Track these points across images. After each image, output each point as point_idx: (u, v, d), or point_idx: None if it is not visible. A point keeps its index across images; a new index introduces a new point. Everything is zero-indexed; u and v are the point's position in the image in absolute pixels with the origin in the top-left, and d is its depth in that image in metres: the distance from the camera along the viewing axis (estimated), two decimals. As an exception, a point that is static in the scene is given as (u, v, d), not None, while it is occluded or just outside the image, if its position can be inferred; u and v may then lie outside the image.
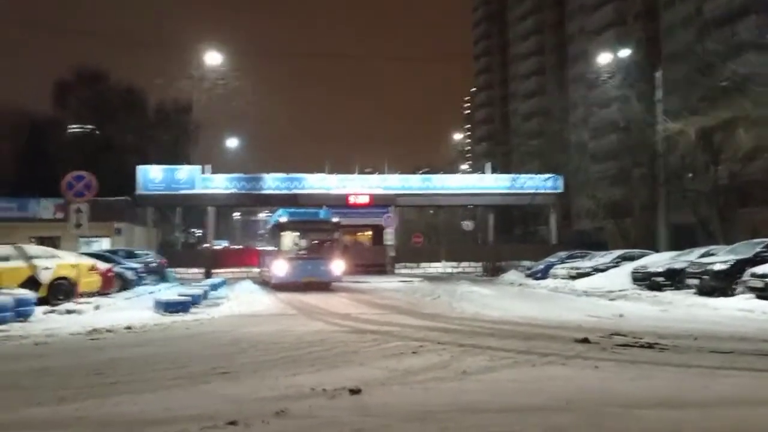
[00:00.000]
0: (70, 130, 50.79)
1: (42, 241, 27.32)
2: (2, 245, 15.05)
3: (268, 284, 23.38)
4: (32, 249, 15.74)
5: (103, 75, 50.71)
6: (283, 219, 22.26)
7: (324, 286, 21.11)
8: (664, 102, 26.17)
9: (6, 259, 14.07)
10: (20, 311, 11.07)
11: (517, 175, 37.33)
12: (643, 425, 4.47)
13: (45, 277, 14.24)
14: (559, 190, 36.61)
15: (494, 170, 40.50)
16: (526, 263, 30.58)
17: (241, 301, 16.81)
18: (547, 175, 35.43)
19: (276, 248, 21.93)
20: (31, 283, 13.63)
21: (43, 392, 5.73)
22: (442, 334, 9.61)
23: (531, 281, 26.02)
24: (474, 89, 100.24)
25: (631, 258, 22.89)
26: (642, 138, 26.94)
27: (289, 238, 21.95)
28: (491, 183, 37.93)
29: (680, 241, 26.31)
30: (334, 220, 22.68)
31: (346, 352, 8.00)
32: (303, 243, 22.13)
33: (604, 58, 32.65)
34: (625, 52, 31.75)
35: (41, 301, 12.93)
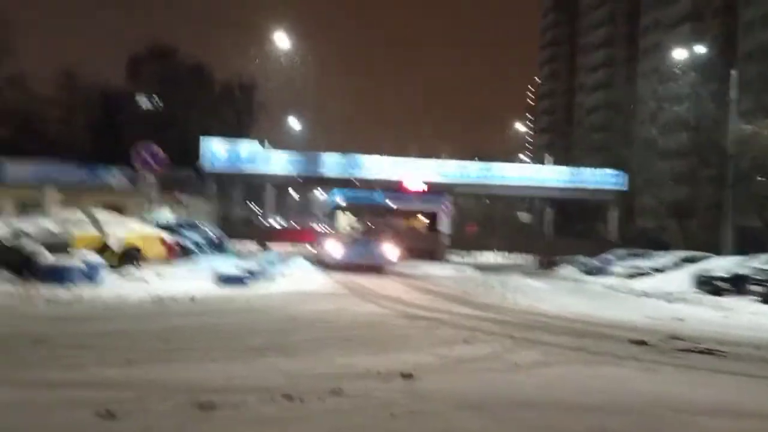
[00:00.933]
0: (140, 103, 52.47)
1: (111, 208, 28.45)
2: (77, 211, 15.78)
3: (321, 263, 23.66)
4: (102, 216, 16.43)
5: (173, 50, 52.05)
6: (340, 200, 22.54)
7: (377, 269, 21.22)
8: (738, 102, 25.13)
9: (79, 224, 14.74)
10: (91, 276, 11.62)
11: (578, 169, 36.62)
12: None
13: (114, 243, 14.86)
14: (622, 187, 35.73)
15: (554, 163, 39.80)
16: (583, 259, 30.02)
17: (296, 279, 17.10)
18: (609, 171, 34.61)
19: (331, 228, 22.27)
20: (102, 249, 14.25)
21: (113, 354, 6.04)
22: (494, 324, 9.64)
23: (587, 277, 25.56)
24: (539, 79, 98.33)
25: (693, 260, 22.22)
26: (712, 138, 25.98)
27: (344, 219, 22.24)
28: (551, 175, 37.33)
29: (745, 245, 25.35)
30: (390, 203, 22.92)
31: (398, 336, 8.13)
32: (358, 225, 22.41)
33: (678, 53, 31.50)
34: (700, 48, 30.56)
35: (110, 267, 13.52)
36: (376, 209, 22.86)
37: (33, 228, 12.32)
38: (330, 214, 23.04)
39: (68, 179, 31.94)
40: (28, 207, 30.90)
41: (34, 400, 4.40)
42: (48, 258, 11.38)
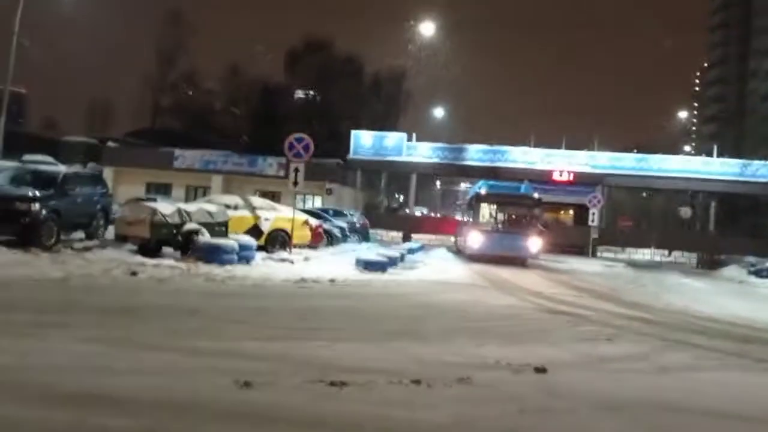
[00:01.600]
0: (296, 96, 55.23)
1: (264, 195, 30.27)
2: (232, 195, 16.94)
3: (462, 254, 23.57)
4: (256, 201, 17.53)
5: (327, 43, 54.16)
6: (483, 191, 22.11)
7: (519, 261, 20.78)
8: None
9: (235, 208, 15.83)
10: (243, 255, 12.41)
11: (749, 161, 33.30)
12: None
13: (265, 227, 15.79)
14: (801, 181, 32.04)
15: (721, 154, 36.51)
16: (751, 259, 27.30)
17: (435, 268, 17.16)
18: (787, 164, 31.17)
19: (473, 219, 21.96)
20: (254, 231, 15.20)
21: (257, 328, 6.42)
22: (643, 324, 9.03)
23: (754, 279, 23.21)
24: (707, 64, 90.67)
25: None
26: None
27: (487, 210, 21.87)
28: (717, 168, 34.25)
29: None
30: (535, 195, 22.12)
31: (536, 330, 7.87)
32: (501, 216, 21.97)
33: None
34: None
35: (260, 248, 14.38)
36: (521, 201, 22.17)
37: (195, 209, 13.37)
38: (473, 204, 22.63)
39: (230, 167, 34.45)
40: (195, 191, 33.88)
41: (183, 366, 4.77)
42: (207, 237, 12.31)
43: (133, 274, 9.93)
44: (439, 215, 59.01)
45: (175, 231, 12.47)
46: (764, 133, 40.23)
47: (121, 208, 15.58)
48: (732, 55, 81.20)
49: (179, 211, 12.82)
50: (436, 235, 34.20)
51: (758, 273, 24.22)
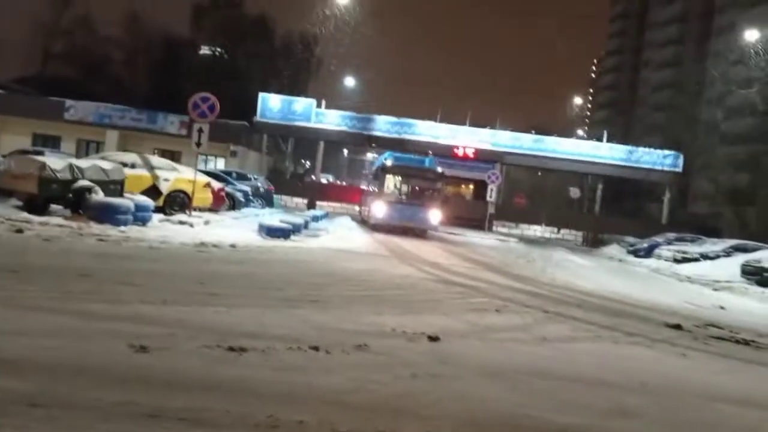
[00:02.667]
0: (201, 52, 53.07)
1: (164, 154, 29.18)
2: (130, 153, 16.24)
3: (366, 223, 23.90)
4: (155, 160, 16.92)
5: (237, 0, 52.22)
6: (389, 162, 22.44)
7: (420, 232, 21.43)
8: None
9: (132, 166, 15.21)
10: (139, 216, 12.02)
11: (635, 148, 35.58)
12: (719, 419, 4.37)
13: (164, 187, 15.31)
14: (678, 169, 34.66)
15: (610, 140, 38.73)
16: (630, 239, 29.39)
17: (338, 236, 17.33)
18: (666, 152, 33.55)
19: (378, 189, 22.33)
20: (152, 191, 14.70)
21: (152, 292, 6.28)
22: (528, 297, 9.60)
23: (632, 258, 25.08)
24: (604, 52, 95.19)
25: (745, 249, 21.54)
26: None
27: (392, 182, 22.24)
28: (606, 153, 36.37)
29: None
30: (438, 170, 22.70)
31: (431, 300, 8.20)
32: (405, 188, 22.40)
33: (753, 35, 29.97)
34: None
35: (158, 210, 13.96)
36: (425, 174, 22.68)
37: (88, 165, 12.75)
38: (378, 175, 22.96)
39: (128, 123, 32.84)
40: (87, 146, 32.11)
41: (74, 329, 4.65)
42: (100, 196, 11.81)
43: (18, 231, 9.43)
44: (345, 184, 59.12)
45: (65, 187, 11.85)
46: (651, 121, 42.95)
47: (6, 160, 14.59)
48: (628, 46, 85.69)
49: (71, 167, 12.18)
50: (341, 203, 34.37)
51: (635, 252, 26.17)
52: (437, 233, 22.39)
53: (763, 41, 28.84)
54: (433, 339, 5.67)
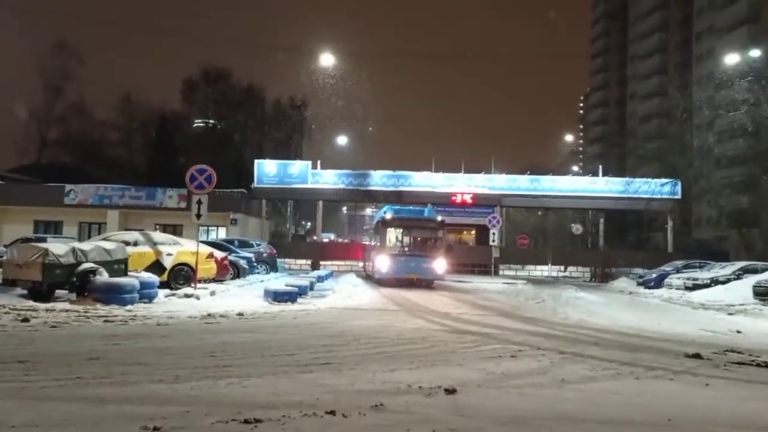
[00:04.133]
0: (195, 125, 54.04)
1: (166, 228, 29.37)
2: (131, 231, 16.33)
3: (371, 278, 23.77)
4: (157, 236, 17.01)
5: (226, 73, 53.54)
6: (388, 215, 22.26)
7: (426, 283, 21.22)
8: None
9: (134, 244, 15.29)
10: (145, 293, 12.00)
11: (632, 179, 35.78)
12: (752, 450, 4.24)
13: (168, 262, 15.33)
14: (677, 196, 34.78)
15: (606, 173, 39.00)
16: (638, 271, 29.21)
17: (345, 294, 17.24)
18: (664, 180, 33.71)
19: (380, 244, 22.07)
20: (156, 267, 14.72)
21: (163, 370, 6.20)
22: (543, 339, 9.47)
23: (642, 290, 24.88)
24: (589, 89, 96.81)
25: (755, 271, 21.40)
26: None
27: (393, 235, 22.13)
28: (603, 186, 36.61)
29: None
30: (439, 218, 22.61)
31: (444, 351, 8.08)
32: (407, 240, 22.21)
33: (733, 58, 30.54)
34: (755, 52, 29.53)
35: (163, 285, 13.93)
36: (426, 224, 22.47)
37: (90, 248, 12.79)
38: (379, 229, 22.74)
39: (127, 201, 33.12)
40: (89, 228, 32.29)
41: (86, 416, 4.56)
42: (104, 277, 11.80)
43: (25, 320, 9.36)
44: (347, 240, 59.19)
45: (69, 272, 11.86)
46: (643, 152, 43.26)
47: (8, 250, 14.64)
48: (612, 80, 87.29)
49: (73, 250, 12.23)
50: (345, 260, 34.29)
51: (645, 283, 25.98)
52: (444, 282, 22.30)
53: (743, 64, 29.32)
54: (450, 392, 5.57)
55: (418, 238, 22.33)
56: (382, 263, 21.40)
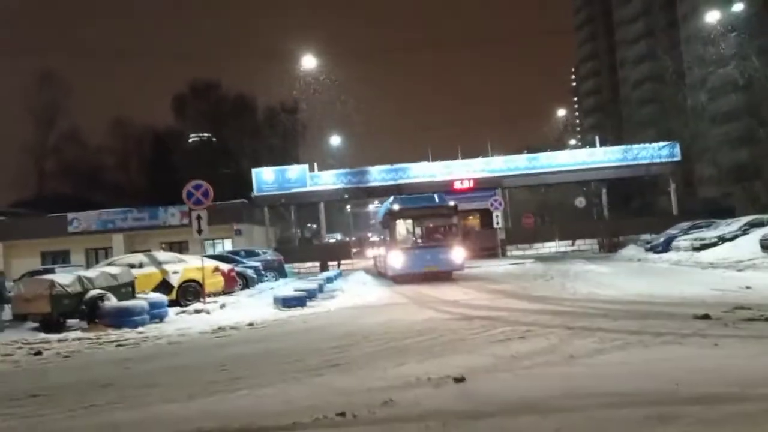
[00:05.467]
0: (190, 140, 54.14)
1: (172, 246, 29.44)
2: (135, 254, 16.41)
3: (383, 276, 22.69)
4: (161, 255, 17.09)
5: (215, 84, 53.64)
6: (396, 207, 20.37)
7: (445, 276, 19.69)
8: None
9: (140, 266, 15.37)
10: (155, 313, 12.07)
11: (630, 146, 35.68)
12: (760, 405, 4.25)
13: (174, 280, 15.41)
14: (677, 158, 34.66)
15: (603, 143, 38.89)
16: (646, 237, 29.17)
17: (354, 293, 17.25)
18: (662, 144, 33.62)
19: (391, 238, 20.30)
20: (163, 286, 14.80)
21: (176, 389, 6.25)
22: (552, 317, 9.49)
23: (651, 255, 24.84)
24: (579, 60, 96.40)
25: (761, 224, 21.35)
26: (765, 95, 24.84)
27: (403, 227, 20.41)
28: (602, 157, 36.52)
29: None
30: (452, 203, 20.85)
31: (453, 340, 8.10)
32: (419, 231, 20.42)
33: (714, 15, 30.40)
34: (738, 6, 29.35)
35: (172, 303, 14.00)
36: (438, 211, 20.65)
37: (96, 274, 12.86)
38: (387, 222, 20.65)
39: (131, 224, 33.27)
40: (96, 254, 32.44)
41: (101, 442, 4.61)
42: (113, 301, 11.88)
43: (38, 354, 9.42)
44: (353, 239, 59.24)
45: (77, 300, 11.94)
46: (639, 117, 43.16)
47: (16, 285, 14.73)
48: (601, 49, 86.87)
49: (80, 279, 12.30)
50: (352, 259, 34.37)
51: (653, 249, 25.93)
52: (462, 272, 20.47)
53: (730, 19, 29.14)
54: (459, 380, 5.58)
55: (431, 228, 20.54)
56: (395, 259, 19.74)
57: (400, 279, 19.70)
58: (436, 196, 22.21)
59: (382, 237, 23.58)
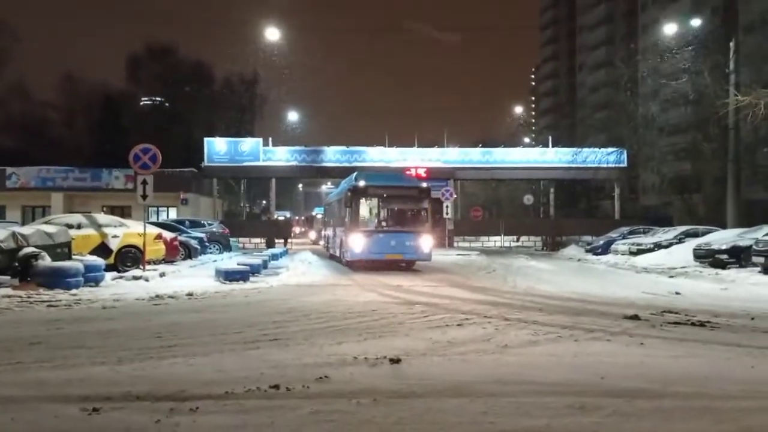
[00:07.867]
0: (141, 103, 52.65)
1: (114, 210, 28.72)
2: (75, 214, 15.92)
3: (336, 259, 21.04)
4: (102, 218, 16.65)
5: (172, 49, 52.25)
6: (362, 183, 18.42)
7: (408, 265, 18.26)
8: (739, 75, 24.90)
9: (78, 227, 14.93)
10: (90, 277, 11.76)
11: (579, 149, 36.52)
12: (676, 403, 4.46)
13: (114, 244, 15.04)
14: (623, 165, 35.70)
15: (556, 144, 39.68)
16: (587, 238, 30.05)
17: (299, 272, 17.21)
18: (610, 149, 34.53)
19: (351, 218, 18.16)
20: (101, 250, 14.42)
21: (106, 352, 6.13)
22: (490, 307, 9.69)
23: (590, 256, 25.61)
24: (540, 61, 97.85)
25: (696, 234, 22.25)
26: (713, 111, 25.77)
27: (366, 207, 18.43)
28: (553, 157, 37.30)
29: (753, 218, 25.25)
30: (424, 185, 19.19)
31: (393, 323, 8.19)
32: (385, 213, 18.61)
33: (671, 28, 31.30)
34: (696, 22, 30.29)
35: (110, 268, 13.68)
36: (408, 192, 18.76)
37: (31, 232, 12.43)
38: (348, 201, 18.28)
39: (72, 183, 32.22)
40: (33, 212, 31.33)
41: (25, 399, 4.50)
42: (47, 261, 11.52)
43: (-37, 308, 9.10)
44: (302, 218, 58.91)
45: (10, 257, 11.53)
46: (592, 122, 44.15)
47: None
48: (562, 51, 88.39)
49: (14, 235, 11.86)
50: (300, 238, 34.20)
51: (593, 250, 26.74)
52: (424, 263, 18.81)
53: (687, 34, 30.02)
54: (395, 361, 5.67)
55: (399, 210, 18.66)
56: (355, 242, 17.68)
57: (357, 265, 17.98)
58: (406, 176, 20.65)
59: (340, 216, 20.93)
